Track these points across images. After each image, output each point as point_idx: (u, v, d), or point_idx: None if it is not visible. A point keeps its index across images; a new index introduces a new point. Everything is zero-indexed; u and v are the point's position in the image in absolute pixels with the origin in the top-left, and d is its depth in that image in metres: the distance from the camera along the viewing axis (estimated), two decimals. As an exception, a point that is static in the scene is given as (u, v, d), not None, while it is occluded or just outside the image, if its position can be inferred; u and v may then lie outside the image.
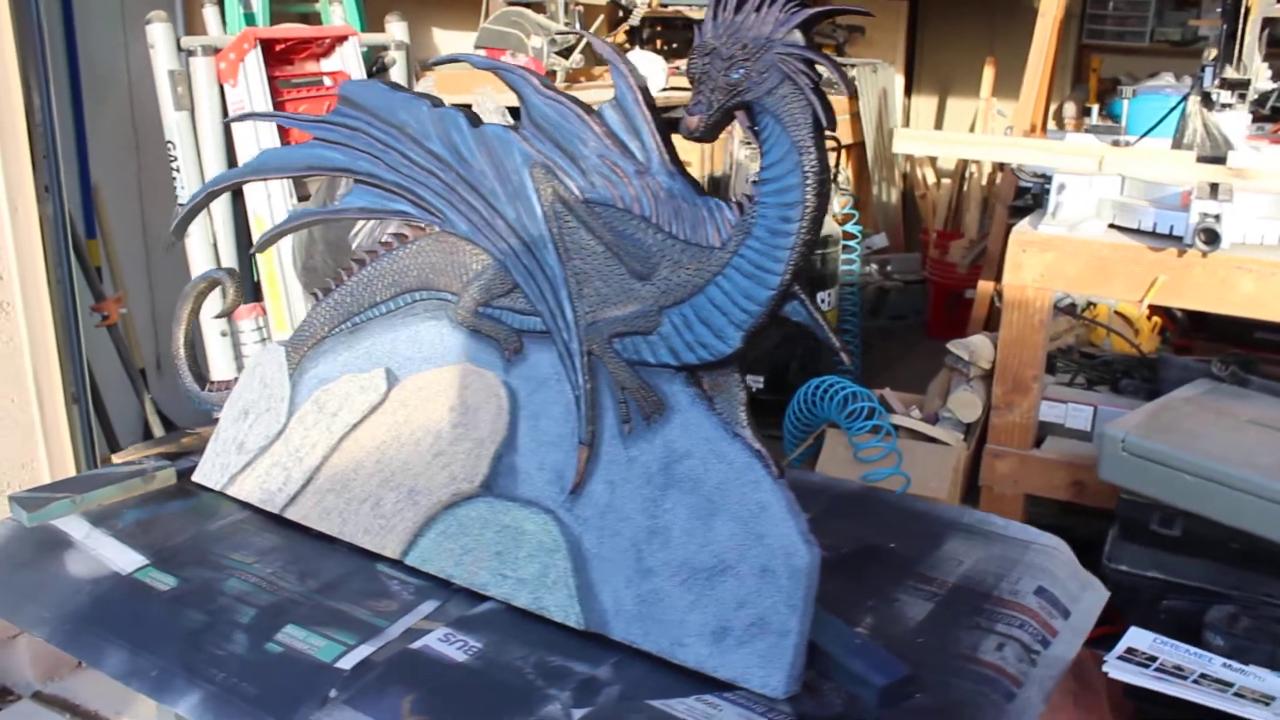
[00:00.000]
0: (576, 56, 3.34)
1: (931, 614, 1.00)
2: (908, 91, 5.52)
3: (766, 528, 0.86)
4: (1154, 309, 2.65)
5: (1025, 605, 1.01)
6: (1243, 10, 1.91)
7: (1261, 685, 1.64)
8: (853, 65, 4.52)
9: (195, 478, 1.22)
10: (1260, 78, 1.98)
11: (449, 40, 3.42)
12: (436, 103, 1.02)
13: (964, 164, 4.58)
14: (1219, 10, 2.13)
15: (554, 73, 3.27)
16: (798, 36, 0.83)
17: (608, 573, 0.94)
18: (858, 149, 4.38)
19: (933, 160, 4.97)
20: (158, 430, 2.37)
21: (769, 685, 0.86)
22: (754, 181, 0.86)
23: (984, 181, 4.47)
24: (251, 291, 2.39)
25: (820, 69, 0.83)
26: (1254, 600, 1.70)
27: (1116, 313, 2.58)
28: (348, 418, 1.10)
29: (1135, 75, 5.46)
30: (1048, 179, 2.22)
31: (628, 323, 0.92)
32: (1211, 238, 1.80)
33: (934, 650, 0.94)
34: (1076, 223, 2.10)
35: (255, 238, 2.30)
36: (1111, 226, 2.09)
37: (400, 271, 1.06)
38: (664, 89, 3.37)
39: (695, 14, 3.56)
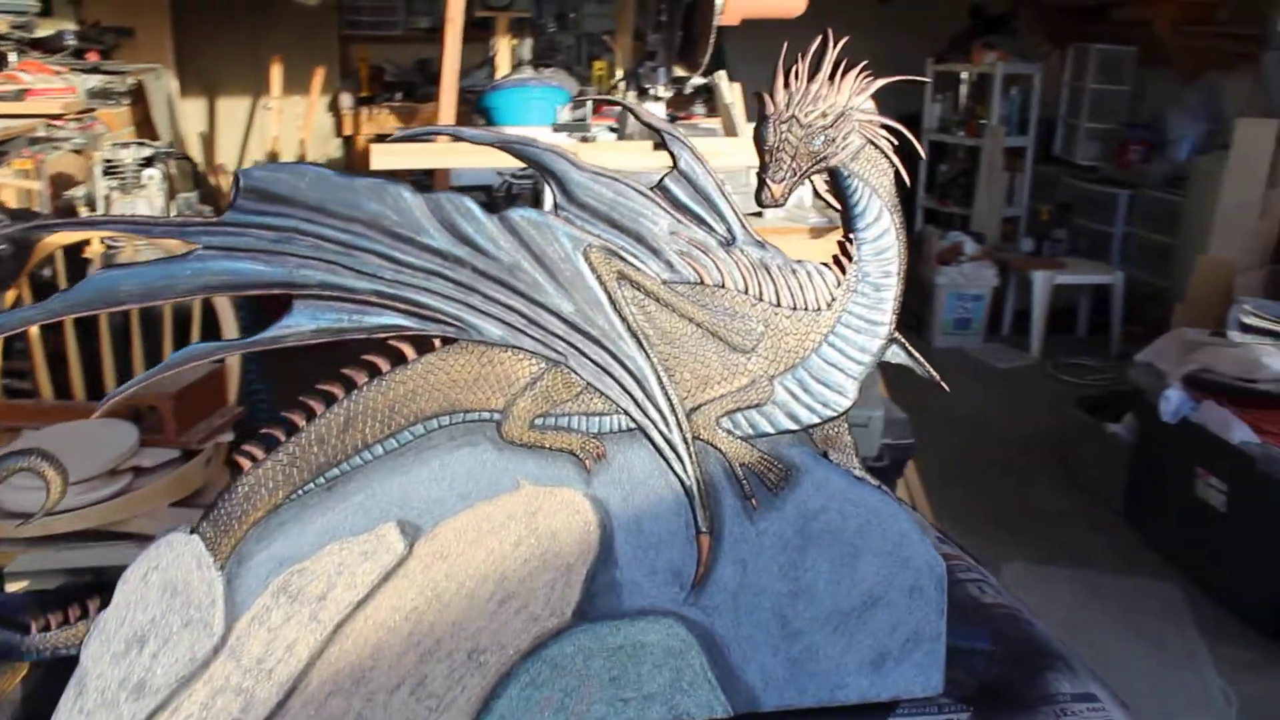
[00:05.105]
0: None
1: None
2: (181, 94, 5.17)
3: (909, 552, 0.94)
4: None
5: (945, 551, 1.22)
6: (697, 17, 2.27)
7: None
8: (129, 71, 4.14)
9: (45, 760, 0.84)
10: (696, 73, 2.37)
11: None
12: (419, 187, 0.85)
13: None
14: (662, 16, 2.48)
15: None
16: (870, 103, 0.90)
17: (751, 650, 0.92)
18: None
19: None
20: None
21: (929, 687, 0.95)
22: (847, 240, 0.91)
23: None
24: None
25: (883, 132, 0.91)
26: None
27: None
28: (346, 596, 0.87)
29: (398, 63, 5.81)
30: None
31: (737, 399, 0.90)
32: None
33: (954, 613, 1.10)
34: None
35: None
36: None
37: (403, 399, 0.86)
38: None
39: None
